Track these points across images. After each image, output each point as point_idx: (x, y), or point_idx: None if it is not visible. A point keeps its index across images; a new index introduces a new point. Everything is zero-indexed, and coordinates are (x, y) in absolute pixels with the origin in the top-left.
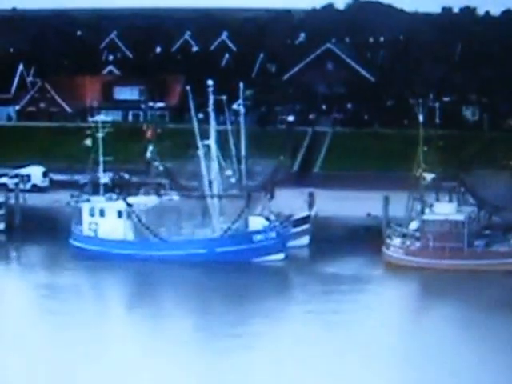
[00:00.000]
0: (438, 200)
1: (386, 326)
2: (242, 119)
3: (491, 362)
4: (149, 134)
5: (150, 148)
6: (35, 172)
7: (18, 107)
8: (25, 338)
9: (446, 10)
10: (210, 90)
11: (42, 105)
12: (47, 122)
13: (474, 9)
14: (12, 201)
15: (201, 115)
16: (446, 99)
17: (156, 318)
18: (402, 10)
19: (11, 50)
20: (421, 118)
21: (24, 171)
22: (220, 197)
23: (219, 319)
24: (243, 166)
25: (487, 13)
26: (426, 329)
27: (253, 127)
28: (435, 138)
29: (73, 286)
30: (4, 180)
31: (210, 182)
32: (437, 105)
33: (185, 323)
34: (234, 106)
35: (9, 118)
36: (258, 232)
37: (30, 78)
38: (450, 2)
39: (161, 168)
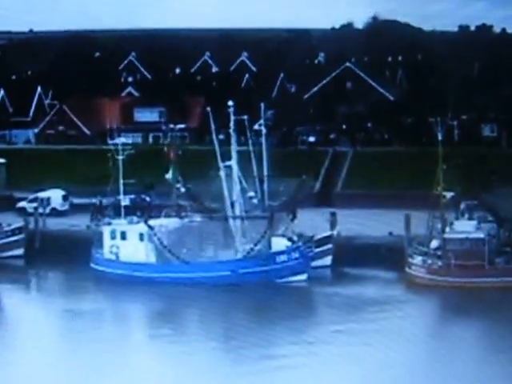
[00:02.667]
0: (457, 218)
1: (420, 350)
2: (263, 140)
3: None
4: (171, 155)
5: (171, 170)
6: (55, 195)
7: (36, 130)
8: (51, 367)
9: (463, 29)
10: (231, 110)
11: (61, 127)
12: (66, 144)
13: (491, 26)
14: (31, 225)
15: (222, 136)
16: (464, 117)
17: (183, 345)
18: (419, 29)
19: (29, 72)
20: (440, 136)
21: (43, 195)
22: (242, 218)
23: (249, 345)
24: (265, 187)
25: (503, 30)
26: (460, 350)
27: (274, 148)
28: (454, 155)
29: (95, 312)
30: (23, 204)
31: (232, 204)
32: (455, 123)
33: (214, 351)
34: (256, 127)
35: (27, 141)
36: (280, 253)
37: (48, 101)
38: (466, 21)
39: (182, 190)
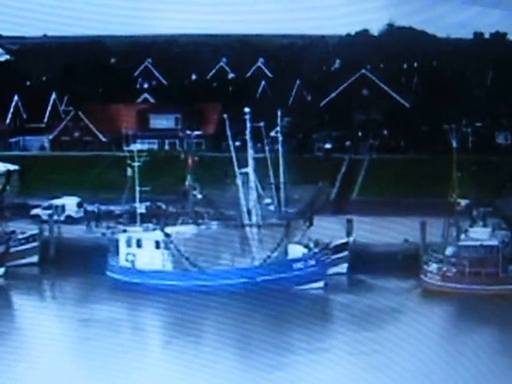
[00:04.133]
0: (472, 225)
1: (433, 359)
2: (280, 147)
3: None
4: (188, 162)
5: (189, 177)
6: (70, 203)
7: (51, 136)
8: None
9: (478, 36)
10: (247, 117)
11: (76, 134)
12: (81, 151)
13: (505, 34)
14: (46, 232)
15: (238, 143)
16: (478, 124)
17: (200, 354)
18: (434, 36)
19: (43, 78)
20: (454, 143)
21: (58, 202)
22: (259, 225)
23: (265, 353)
24: (282, 194)
25: None
26: (475, 359)
27: (290, 155)
28: (468, 163)
29: (110, 321)
30: (37, 211)
31: (249, 211)
32: (469, 130)
33: (230, 359)
34: (272, 134)
35: (42, 148)
36: (297, 260)
37: (63, 107)
38: (481, 28)
39: (199, 196)
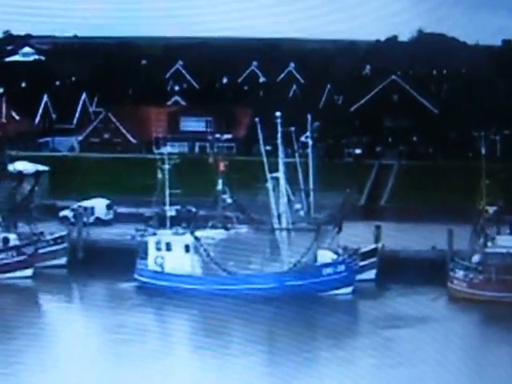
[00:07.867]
0: (499, 233)
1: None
2: (310, 151)
3: None
4: (221, 166)
5: (219, 181)
6: (99, 204)
7: (80, 138)
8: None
9: (506, 43)
10: (278, 121)
11: (106, 135)
12: (111, 153)
13: None
14: (74, 234)
15: (268, 147)
16: (506, 132)
17: (228, 359)
18: (464, 43)
19: (73, 78)
20: (483, 150)
21: (87, 203)
22: (289, 230)
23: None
24: (311, 199)
25: None
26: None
27: (320, 160)
28: (497, 170)
29: (140, 324)
30: (66, 213)
31: (279, 215)
32: (498, 138)
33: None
34: (302, 139)
35: (71, 149)
36: (326, 265)
37: (93, 108)
38: (510, 35)
39: (229, 201)
